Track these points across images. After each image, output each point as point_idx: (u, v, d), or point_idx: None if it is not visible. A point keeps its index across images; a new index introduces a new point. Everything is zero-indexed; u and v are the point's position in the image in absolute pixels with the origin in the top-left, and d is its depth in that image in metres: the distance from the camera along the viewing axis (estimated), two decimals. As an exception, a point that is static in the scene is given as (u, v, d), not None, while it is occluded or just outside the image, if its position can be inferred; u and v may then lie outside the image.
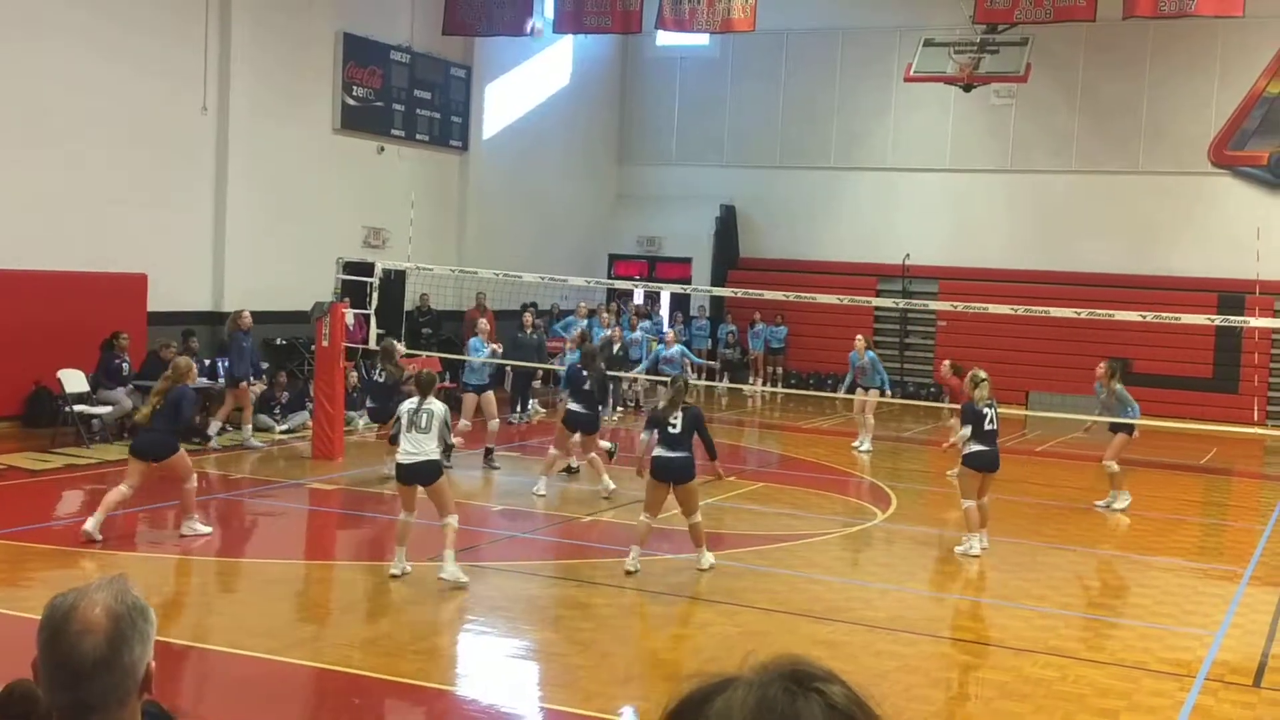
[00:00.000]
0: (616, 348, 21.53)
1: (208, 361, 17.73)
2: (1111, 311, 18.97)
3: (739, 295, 22.62)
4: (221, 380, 17.53)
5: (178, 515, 11.71)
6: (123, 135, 17.99)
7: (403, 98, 23.46)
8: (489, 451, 15.93)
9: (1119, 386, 14.71)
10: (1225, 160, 25.76)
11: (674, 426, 10.74)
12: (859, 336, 18.92)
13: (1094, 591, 11.57)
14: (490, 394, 16.31)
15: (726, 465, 13.00)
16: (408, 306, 22.34)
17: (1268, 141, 25.43)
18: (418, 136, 23.95)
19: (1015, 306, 18.60)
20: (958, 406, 16.22)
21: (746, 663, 1.38)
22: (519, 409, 20.98)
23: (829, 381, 25.40)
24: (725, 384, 26.72)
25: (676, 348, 17.85)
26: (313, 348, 17.20)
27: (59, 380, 16.07)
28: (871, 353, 18.94)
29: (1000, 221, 27.34)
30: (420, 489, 10.30)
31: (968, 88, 21.78)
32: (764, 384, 26.80)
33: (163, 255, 18.53)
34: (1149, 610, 10.51)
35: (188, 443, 11.86)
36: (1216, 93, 25.70)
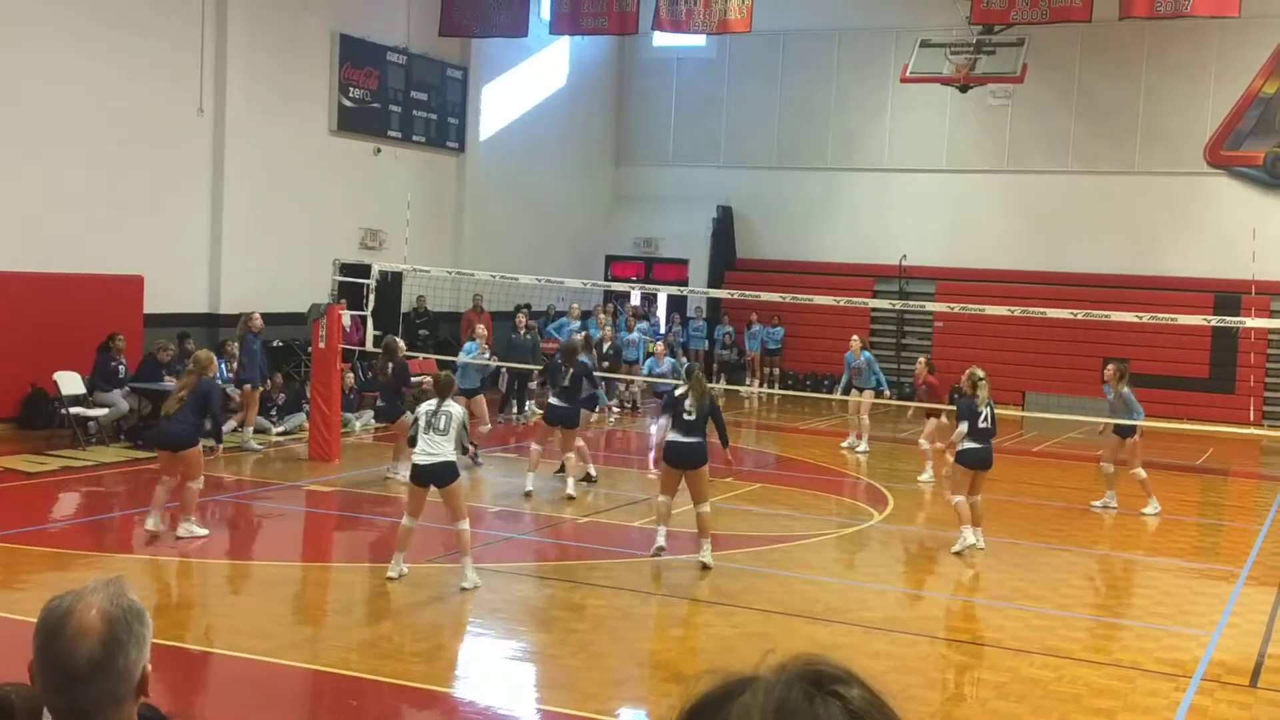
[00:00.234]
0: (606, 347, 21.53)
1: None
2: (1108, 312, 18.99)
3: (736, 296, 22.64)
4: (221, 381, 17.51)
5: (175, 516, 11.61)
6: (119, 137, 17.97)
7: (399, 99, 23.45)
8: (474, 451, 15.89)
9: (1126, 389, 14.72)
10: (1221, 160, 25.79)
11: (690, 413, 10.91)
12: (855, 337, 18.94)
13: (1090, 592, 11.58)
14: (480, 398, 16.31)
15: (724, 467, 13.01)
16: (404, 308, 22.34)
17: (1263, 141, 25.46)
18: (414, 138, 23.95)
19: (1012, 307, 18.62)
20: (934, 405, 16.27)
21: (764, 662, 1.36)
22: (516, 410, 20.99)
23: (826, 382, 25.42)
24: (722, 385, 26.70)
25: (668, 362, 17.87)
26: (309, 349, 17.19)
27: (55, 382, 16.05)
28: (867, 353, 18.95)
29: (997, 222, 27.36)
30: (434, 493, 10.23)
31: (964, 88, 21.80)
32: (761, 385, 26.80)
33: (159, 257, 18.51)
34: (1145, 610, 10.53)
35: (206, 439, 11.87)
36: (1212, 93, 25.73)
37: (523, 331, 20.53)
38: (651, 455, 16.38)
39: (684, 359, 27.13)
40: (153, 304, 18.19)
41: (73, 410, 15.93)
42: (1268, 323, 21.66)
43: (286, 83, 20.90)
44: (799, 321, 26.63)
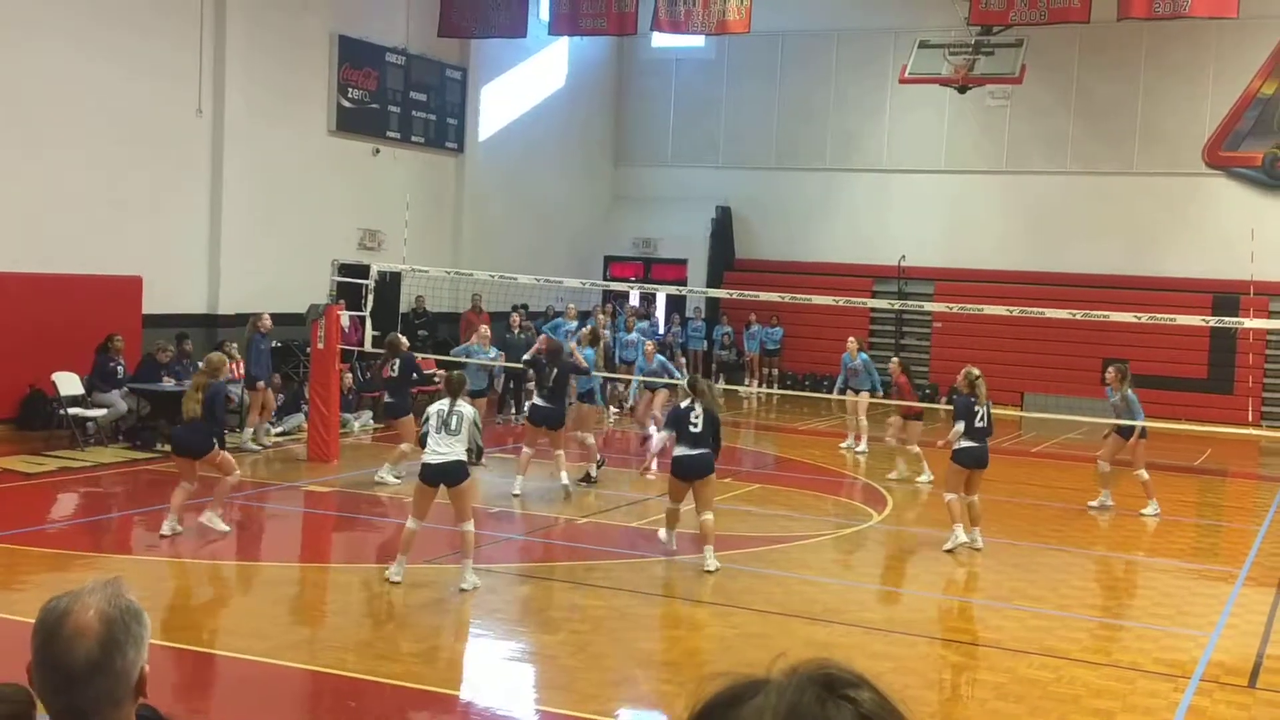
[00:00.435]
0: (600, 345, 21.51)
1: (201, 364, 17.67)
2: (1106, 313, 19.00)
3: (734, 296, 22.66)
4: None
5: (206, 505, 11.77)
6: (118, 137, 17.97)
7: (398, 99, 23.45)
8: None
9: (1130, 391, 14.72)
10: (1220, 161, 25.80)
11: (695, 426, 11.13)
12: (851, 339, 18.95)
13: (1089, 592, 11.58)
14: (483, 400, 16.30)
15: (723, 466, 13.01)
16: (403, 308, 22.32)
17: (1262, 142, 25.47)
18: (413, 138, 23.95)
19: (1010, 308, 18.63)
20: (912, 404, 16.30)
21: (775, 665, 1.36)
22: (514, 410, 20.98)
23: (824, 383, 25.41)
24: (721, 385, 26.69)
25: (656, 361, 17.91)
26: (308, 350, 17.19)
27: (54, 383, 16.04)
28: (864, 354, 18.97)
29: (995, 223, 27.37)
30: (442, 493, 10.19)
31: (963, 89, 21.80)
32: (759, 385, 26.81)
33: (158, 258, 18.51)
34: (1144, 611, 10.53)
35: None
36: (1211, 94, 25.75)
37: (517, 331, 20.52)
38: (646, 462, 16.36)
39: (682, 359, 27.20)
40: (151, 304, 18.19)
41: (71, 411, 15.93)
42: (1266, 323, 21.68)
43: (285, 83, 20.90)
44: (798, 322, 26.64)
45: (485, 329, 16.48)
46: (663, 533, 11.67)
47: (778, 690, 1.33)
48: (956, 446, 12.29)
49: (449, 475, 10.06)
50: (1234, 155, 25.69)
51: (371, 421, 19.20)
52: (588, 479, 15.09)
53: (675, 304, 28.51)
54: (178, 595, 10.00)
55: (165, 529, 11.31)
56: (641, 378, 19.25)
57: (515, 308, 22.25)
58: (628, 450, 18.86)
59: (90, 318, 16.79)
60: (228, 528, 11.77)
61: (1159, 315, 18.61)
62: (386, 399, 15.89)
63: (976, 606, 10.81)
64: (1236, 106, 25.55)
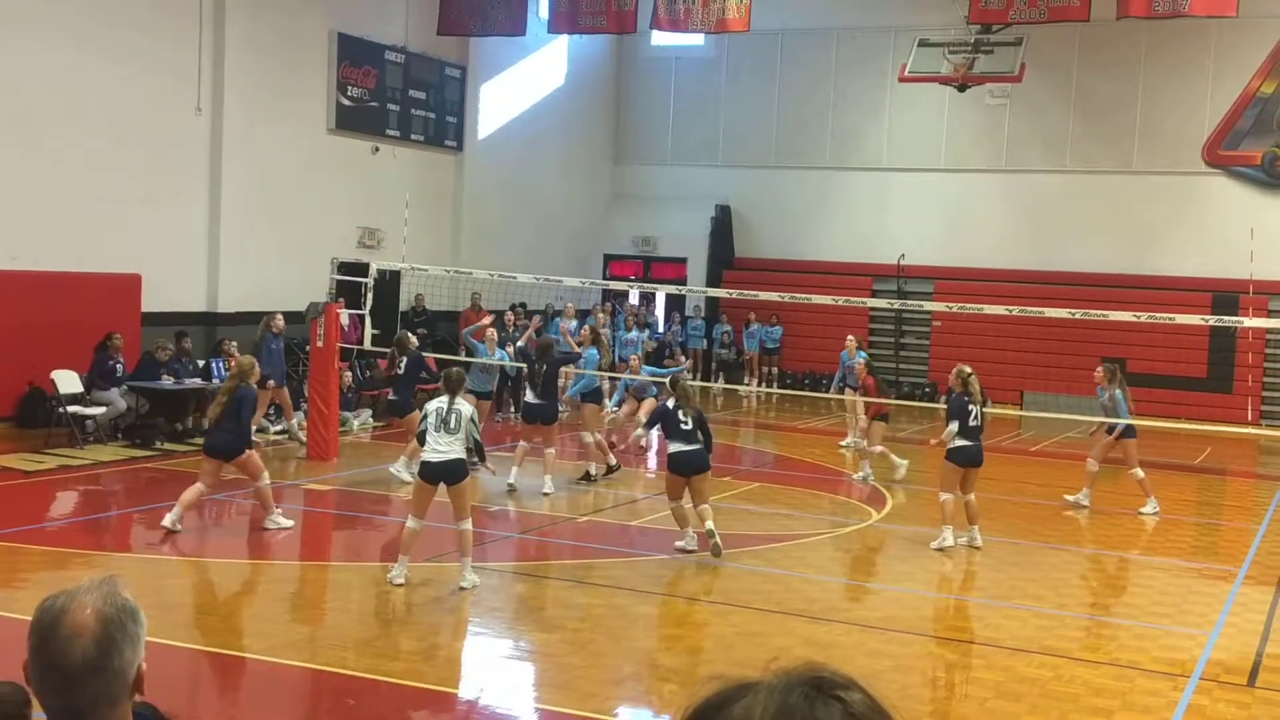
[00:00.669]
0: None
1: (201, 363, 17.69)
2: (1106, 311, 18.99)
3: (734, 295, 22.66)
4: (216, 382, 17.51)
5: (256, 513, 12.07)
6: (117, 135, 17.96)
7: (397, 98, 23.44)
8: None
9: (1118, 390, 14.75)
10: (1219, 160, 25.80)
11: (685, 423, 11.42)
12: (850, 337, 18.96)
13: (1089, 591, 11.58)
14: (489, 403, 16.29)
15: (722, 465, 13.05)
16: (402, 307, 22.33)
17: (1261, 141, 25.47)
18: (412, 136, 23.94)
19: (1010, 307, 18.63)
20: (878, 401, 16.31)
21: (769, 668, 1.38)
22: (513, 409, 20.97)
23: (824, 382, 25.39)
24: (720, 384, 26.74)
25: (645, 371, 18.02)
26: (307, 348, 17.18)
27: (53, 381, 16.03)
28: (863, 353, 18.98)
29: (995, 221, 27.36)
30: (442, 491, 10.19)
31: (962, 88, 21.80)
32: (759, 384, 26.81)
33: (157, 256, 18.50)
34: (1144, 610, 10.53)
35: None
36: (1210, 92, 25.74)
37: (511, 330, 20.51)
38: (634, 455, 16.48)
39: (682, 357, 27.20)
40: (150, 303, 18.18)
41: (70, 409, 15.91)
42: (1265, 322, 21.68)
43: (284, 81, 20.89)
44: (797, 321, 26.65)
45: (493, 331, 16.50)
46: (681, 541, 11.56)
47: (768, 691, 1.34)
48: (951, 446, 12.28)
49: (450, 473, 10.05)
50: (1233, 154, 25.69)
51: (371, 420, 19.21)
52: (587, 477, 15.12)
53: (675, 303, 28.50)
54: (177, 594, 9.98)
55: (167, 521, 11.32)
56: (636, 376, 19.24)
57: (513, 306, 22.23)
58: (625, 449, 18.81)
59: (89, 316, 16.78)
60: (291, 522, 12.06)
61: (1158, 314, 18.61)
62: (391, 396, 15.94)
63: (975, 605, 10.81)
64: (1236, 105, 25.55)
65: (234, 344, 17.97)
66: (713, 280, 27.90)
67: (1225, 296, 24.12)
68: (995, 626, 9.85)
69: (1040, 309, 18.77)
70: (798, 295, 19.96)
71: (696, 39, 28.20)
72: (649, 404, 18.70)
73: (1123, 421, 14.72)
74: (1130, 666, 8.82)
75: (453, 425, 10.04)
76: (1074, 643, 9.44)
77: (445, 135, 24.81)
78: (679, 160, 30.04)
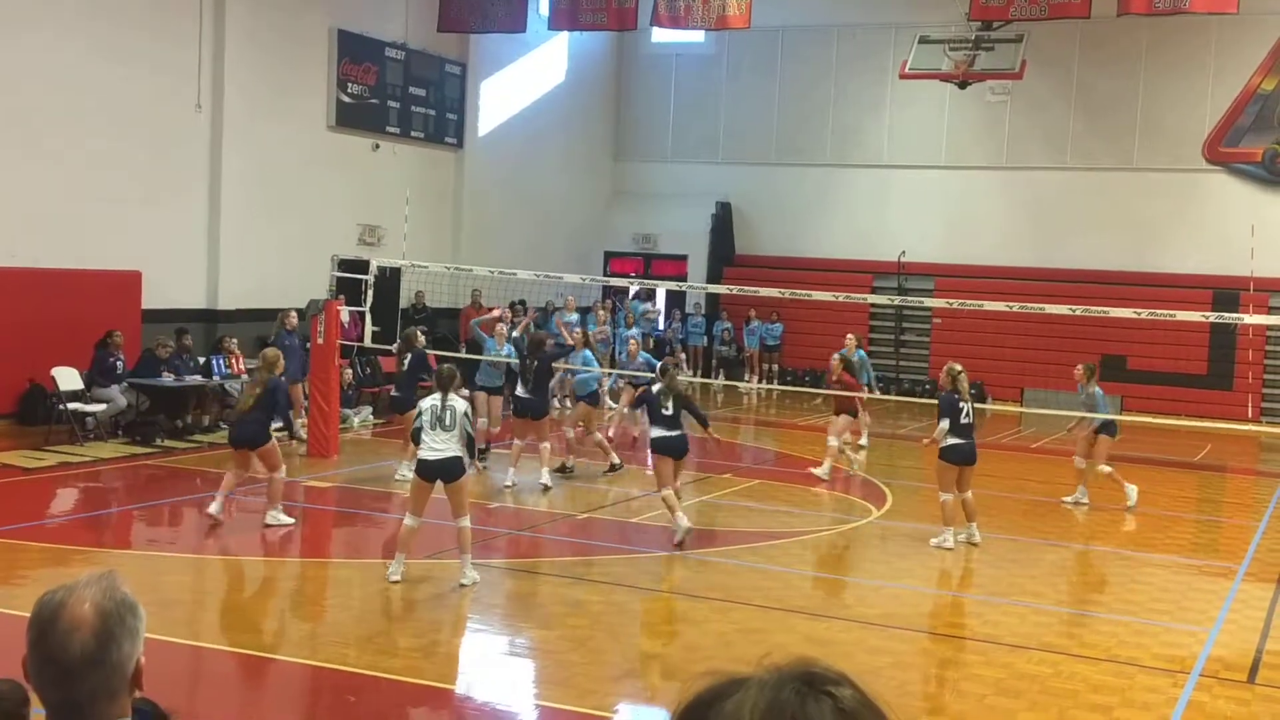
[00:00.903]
0: (599, 341, 21.51)
1: (201, 360, 17.70)
2: (1106, 308, 19.00)
3: (734, 292, 22.65)
4: (217, 379, 17.54)
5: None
6: (117, 132, 17.95)
7: (398, 94, 23.43)
8: (484, 450, 15.91)
9: (1096, 388, 14.87)
10: (1220, 157, 25.79)
11: (667, 409, 11.91)
12: (850, 335, 18.96)
13: (1088, 588, 11.58)
14: (500, 398, 16.29)
15: (723, 462, 13.07)
16: (403, 304, 22.31)
17: (1262, 138, 25.46)
18: (413, 133, 23.93)
19: (1010, 303, 18.62)
20: (848, 394, 16.35)
21: (761, 664, 1.39)
22: (510, 407, 20.97)
23: (824, 379, 25.42)
24: (721, 381, 26.74)
25: (641, 358, 18.09)
26: (308, 345, 17.19)
27: (53, 378, 16.03)
28: (861, 351, 19.01)
29: (995, 218, 27.36)
30: (439, 489, 10.18)
31: (963, 85, 21.79)
32: (759, 381, 26.81)
33: (157, 253, 18.50)
34: (1143, 606, 10.53)
35: (279, 431, 12.70)
36: (1211, 89, 25.73)
37: (508, 325, 20.49)
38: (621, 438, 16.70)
39: (682, 354, 27.22)
40: (151, 300, 18.17)
41: (70, 406, 15.91)
42: (1266, 319, 21.68)
43: (284, 78, 20.87)
44: (797, 318, 26.64)
45: (503, 326, 16.54)
46: (679, 529, 11.65)
47: (759, 686, 1.35)
48: (944, 444, 12.27)
49: (447, 471, 10.04)
50: (1234, 151, 25.67)
51: (371, 417, 19.21)
52: (563, 470, 15.30)
53: (675, 300, 28.50)
54: (177, 590, 9.99)
55: (213, 509, 11.66)
56: (624, 372, 19.31)
57: (513, 304, 22.23)
58: (624, 446, 18.82)
59: (90, 313, 16.78)
60: (292, 520, 12.11)
61: (1159, 311, 18.60)
62: (393, 393, 15.99)
63: (975, 601, 10.81)
64: (1236, 102, 25.53)
65: (234, 341, 18.00)
66: (713, 277, 27.89)
67: (1226, 293, 24.11)
68: (994, 623, 9.85)
69: (1041, 306, 18.76)
70: (798, 292, 19.94)
71: (697, 36, 28.20)
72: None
73: (1100, 417, 14.81)
74: (1130, 663, 8.83)
75: (448, 422, 10.03)
76: (1073, 639, 9.44)
77: (445, 132, 24.79)
78: (679, 157, 30.03)
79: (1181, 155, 25.93)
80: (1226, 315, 19.95)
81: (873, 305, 25.64)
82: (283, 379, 12.45)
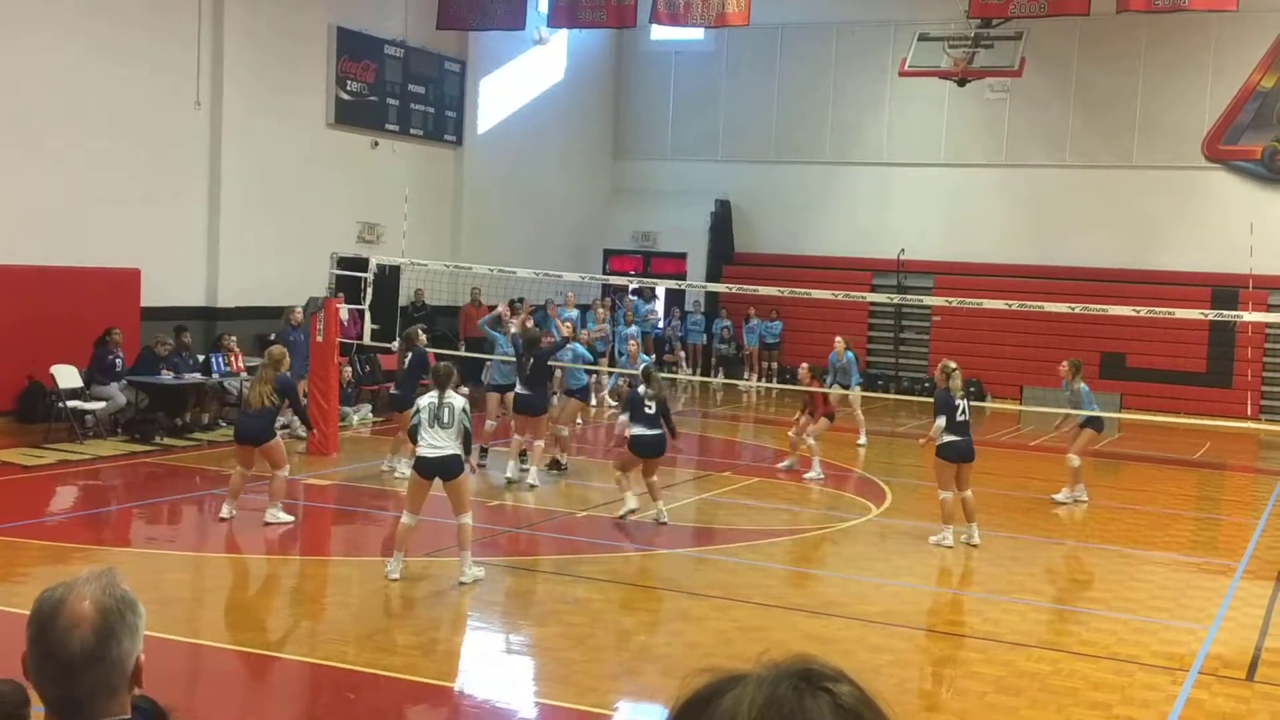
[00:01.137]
0: (597, 339, 21.51)
1: (200, 358, 17.69)
2: (1106, 306, 18.99)
3: (734, 290, 22.64)
4: (216, 377, 17.53)
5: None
6: (116, 130, 17.93)
7: (397, 92, 23.42)
8: (484, 450, 15.89)
9: (1081, 385, 14.93)
10: (1219, 155, 25.78)
11: (649, 408, 12.68)
12: (838, 338, 18.99)
13: (1088, 586, 11.58)
14: (510, 396, 16.28)
15: (722, 460, 13.10)
16: (402, 302, 22.31)
17: (1261, 135, 25.45)
18: (412, 131, 23.92)
19: (1010, 301, 18.63)
20: (815, 389, 16.39)
21: (759, 660, 1.39)
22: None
23: (824, 378, 25.41)
24: (720, 379, 26.74)
25: (642, 360, 18.22)
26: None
27: (52, 376, 16.03)
28: (850, 353, 19.07)
29: (995, 216, 27.35)
30: (438, 486, 10.18)
31: (962, 82, 21.78)
32: (759, 379, 26.80)
33: (156, 250, 18.49)
34: (1143, 604, 10.53)
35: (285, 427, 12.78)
36: (1210, 87, 25.72)
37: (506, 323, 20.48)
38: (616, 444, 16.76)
39: (681, 353, 27.22)
40: (150, 297, 18.17)
41: (70, 404, 15.91)
42: (1265, 317, 21.67)
43: (283, 76, 20.86)
44: (797, 316, 26.63)
45: (514, 324, 16.56)
46: (627, 507, 12.73)
47: (756, 683, 1.35)
48: (941, 441, 12.28)
49: (445, 469, 10.03)
50: (1233, 149, 25.67)
51: (371, 415, 19.21)
52: (556, 465, 15.32)
53: (674, 298, 28.49)
54: (176, 588, 9.99)
55: (225, 512, 11.83)
56: (631, 371, 19.38)
57: (512, 301, 22.19)
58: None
59: (89, 311, 16.77)
60: (292, 518, 12.15)
61: (1158, 309, 18.61)
62: (393, 391, 16.02)
63: (975, 599, 10.81)
64: (1236, 100, 25.53)
65: (233, 339, 17.99)
66: (712, 275, 27.87)
67: (1225, 291, 24.11)
68: (994, 621, 9.86)
69: (1040, 304, 18.77)
70: (797, 290, 19.95)
71: (696, 33, 28.18)
72: None
73: (1085, 414, 14.87)
74: (1129, 661, 8.83)
75: (446, 419, 10.02)
76: (1073, 637, 9.45)
77: (445, 130, 24.78)
78: (679, 155, 30.01)
79: (1181, 153, 25.92)
80: (1226, 313, 19.95)
81: (872, 303, 25.63)
82: (289, 375, 12.50)
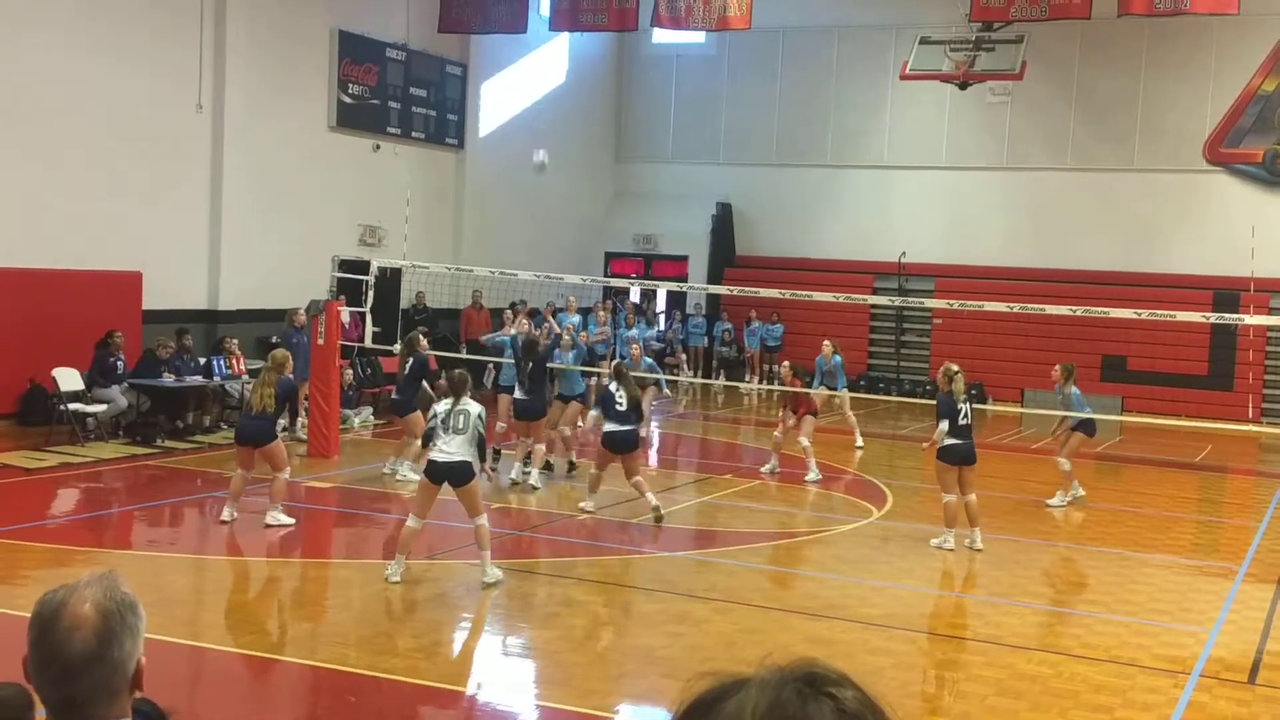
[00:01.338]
0: (598, 342, 21.51)
1: (202, 361, 17.70)
2: (1107, 309, 18.99)
3: (735, 293, 22.65)
4: (217, 379, 17.53)
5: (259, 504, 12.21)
6: (118, 133, 17.95)
7: (398, 95, 23.44)
8: (497, 452, 15.86)
9: (1072, 389, 14.96)
10: (1220, 158, 25.78)
11: (620, 404, 12.85)
12: (826, 341, 19.01)
13: (1088, 588, 11.58)
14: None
15: (723, 463, 13.11)
16: (403, 304, 22.32)
17: (1262, 139, 25.45)
18: (414, 134, 23.94)
19: (1011, 304, 18.62)
20: (799, 390, 16.39)
21: (762, 664, 1.38)
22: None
23: (810, 380, 25.40)
24: (721, 381, 26.74)
25: (645, 363, 18.29)
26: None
27: (54, 378, 16.04)
28: (838, 356, 19.11)
29: (996, 219, 27.36)
30: (449, 491, 10.18)
31: (963, 86, 21.79)
32: (760, 382, 26.80)
33: (158, 253, 18.50)
34: (1144, 607, 10.53)
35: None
36: (1211, 90, 25.73)
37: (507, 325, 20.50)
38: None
39: (682, 355, 27.23)
40: (151, 300, 18.18)
41: (71, 406, 15.92)
42: (1266, 320, 21.67)
43: (285, 79, 20.88)
44: (798, 318, 26.62)
45: (523, 323, 16.57)
46: (588, 503, 13.11)
47: (760, 687, 1.34)
48: (942, 445, 12.29)
49: (455, 475, 10.04)
50: (1235, 152, 25.67)
51: (372, 417, 19.22)
52: (549, 467, 15.36)
53: (676, 300, 28.49)
54: (178, 590, 9.99)
55: (226, 515, 11.85)
56: (635, 374, 19.40)
57: (513, 304, 22.22)
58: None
59: (90, 313, 16.78)
60: (292, 520, 12.12)
61: (1159, 312, 18.60)
62: (394, 395, 16.03)
63: (976, 602, 10.81)
64: (1237, 103, 25.53)
65: (235, 341, 17.99)
66: (714, 278, 27.88)
67: (1226, 294, 24.11)
68: (996, 624, 9.85)
69: (1041, 306, 18.77)
70: (799, 293, 19.96)
71: (698, 37, 28.20)
72: (651, 392, 19.03)
73: (1079, 415, 14.88)
74: (1131, 664, 8.83)
75: (460, 425, 10.03)
76: (1074, 640, 9.44)
77: (446, 133, 24.80)
78: (680, 158, 30.03)
79: (1182, 156, 25.92)
80: (1227, 316, 19.94)
81: (873, 306, 25.64)
82: (291, 379, 12.52)
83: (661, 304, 29.03)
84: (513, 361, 15.82)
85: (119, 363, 16.54)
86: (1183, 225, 25.87)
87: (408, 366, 15.05)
